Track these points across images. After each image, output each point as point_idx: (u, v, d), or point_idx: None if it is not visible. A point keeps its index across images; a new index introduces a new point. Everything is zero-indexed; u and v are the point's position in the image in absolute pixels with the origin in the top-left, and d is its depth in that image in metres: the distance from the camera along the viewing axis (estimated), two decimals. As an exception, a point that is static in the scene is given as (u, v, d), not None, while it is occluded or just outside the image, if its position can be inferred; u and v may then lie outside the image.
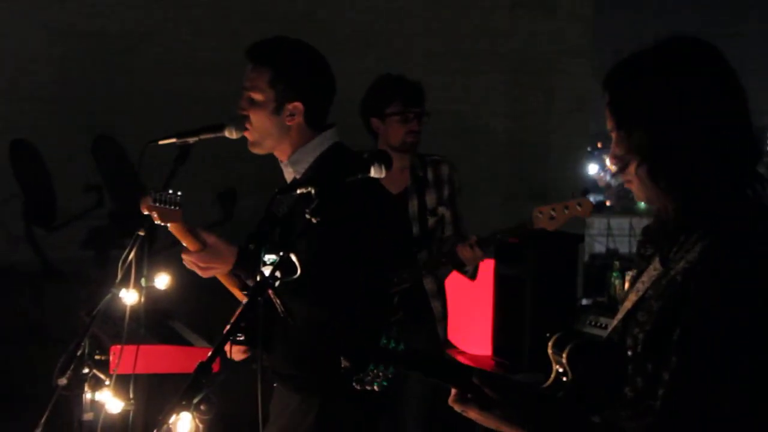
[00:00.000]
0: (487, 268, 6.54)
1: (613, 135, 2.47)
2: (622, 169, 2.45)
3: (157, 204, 3.51)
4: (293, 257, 2.85)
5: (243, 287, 3.71)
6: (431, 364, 2.61)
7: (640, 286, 2.50)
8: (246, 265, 3.60)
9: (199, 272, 3.65)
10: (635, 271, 2.60)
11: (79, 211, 7.29)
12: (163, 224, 3.55)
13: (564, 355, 2.60)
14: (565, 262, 6.15)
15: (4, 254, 7.35)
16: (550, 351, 2.66)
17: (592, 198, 5.15)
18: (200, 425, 2.96)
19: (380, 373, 2.50)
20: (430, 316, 5.38)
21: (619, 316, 2.54)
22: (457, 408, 2.55)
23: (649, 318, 2.38)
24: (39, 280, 7.39)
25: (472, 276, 5.47)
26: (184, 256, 3.62)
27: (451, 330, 5.77)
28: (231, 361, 3.63)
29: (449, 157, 5.66)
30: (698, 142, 2.33)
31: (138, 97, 7.65)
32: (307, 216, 2.94)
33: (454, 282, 5.85)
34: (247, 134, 3.77)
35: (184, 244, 3.61)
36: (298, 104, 3.72)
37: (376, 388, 2.52)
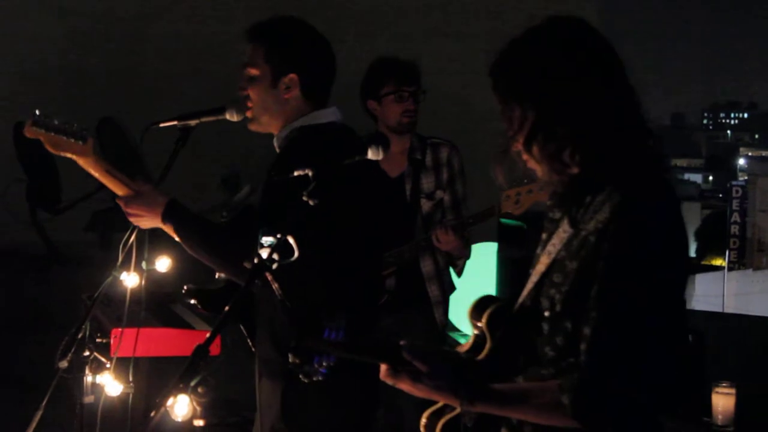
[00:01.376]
0: (490, 251, 6.53)
1: (502, 115, 2.58)
2: (507, 145, 2.58)
3: (39, 129, 3.48)
4: (290, 240, 2.85)
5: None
6: (362, 347, 2.70)
7: (552, 249, 2.57)
8: (174, 220, 3.55)
9: (131, 219, 3.63)
10: (545, 235, 2.67)
11: (83, 194, 7.29)
12: (58, 154, 3.51)
13: (483, 320, 2.66)
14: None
15: (9, 238, 7.36)
16: (468, 317, 2.72)
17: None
18: (197, 408, 2.96)
19: (324, 363, 2.54)
20: (426, 300, 5.36)
21: (534, 278, 2.60)
22: (390, 381, 2.61)
23: (566, 278, 2.46)
24: (44, 264, 7.40)
25: (459, 274, 5.47)
26: (117, 200, 3.61)
27: (455, 313, 5.74)
28: (229, 346, 3.63)
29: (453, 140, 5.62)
30: (580, 109, 2.45)
31: (143, 78, 7.66)
32: (305, 198, 2.94)
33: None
34: (247, 112, 3.77)
35: (108, 186, 3.58)
36: (294, 76, 3.70)
37: (320, 378, 2.56)
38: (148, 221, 3.61)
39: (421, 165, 5.35)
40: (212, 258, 3.52)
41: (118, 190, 3.59)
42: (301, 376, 2.57)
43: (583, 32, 2.55)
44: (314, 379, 2.57)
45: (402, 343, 2.57)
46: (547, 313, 2.50)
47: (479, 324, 2.67)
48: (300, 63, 3.72)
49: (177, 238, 3.61)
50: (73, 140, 3.49)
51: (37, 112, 3.52)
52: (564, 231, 2.56)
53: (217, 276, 3.84)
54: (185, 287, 3.78)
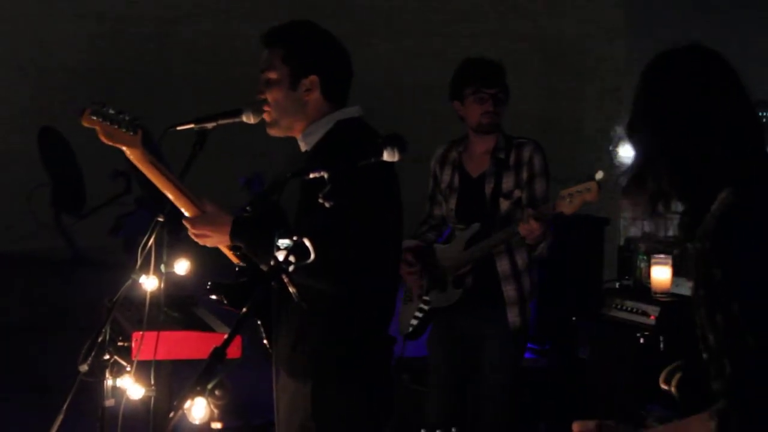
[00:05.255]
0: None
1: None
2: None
3: (97, 118, 3.52)
4: (306, 241, 2.85)
5: (234, 247, 3.72)
6: None
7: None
8: (244, 237, 3.61)
9: (197, 239, 3.68)
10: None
11: (107, 198, 7.32)
12: (111, 144, 3.54)
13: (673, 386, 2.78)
14: (591, 245, 6.12)
15: (34, 242, 7.38)
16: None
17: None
18: (215, 410, 2.96)
19: None
20: (500, 300, 5.35)
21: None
22: None
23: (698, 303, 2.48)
24: (68, 267, 7.42)
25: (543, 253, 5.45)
26: (183, 221, 3.65)
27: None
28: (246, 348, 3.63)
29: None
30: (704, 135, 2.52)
31: (168, 82, 7.67)
32: (320, 201, 2.95)
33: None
34: (265, 116, 3.79)
35: (153, 180, 3.62)
36: (314, 78, 3.74)
37: None
38: (214, 240, 3.68)
39: (504, 165, 5.37)
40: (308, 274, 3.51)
41: (158, 181, 3.63)
42: None
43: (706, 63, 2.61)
44: None
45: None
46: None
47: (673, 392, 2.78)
48: (319, 64, 3.76)
49: (248, 253, 3.66)
50: (124, 131, 3.53)
51: (97, 105, 3.57)
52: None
53: (237, 271, 3.84)
54: (209, 283, 3.78)
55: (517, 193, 5.34)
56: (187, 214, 3.67)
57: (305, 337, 3.63)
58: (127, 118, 3.55)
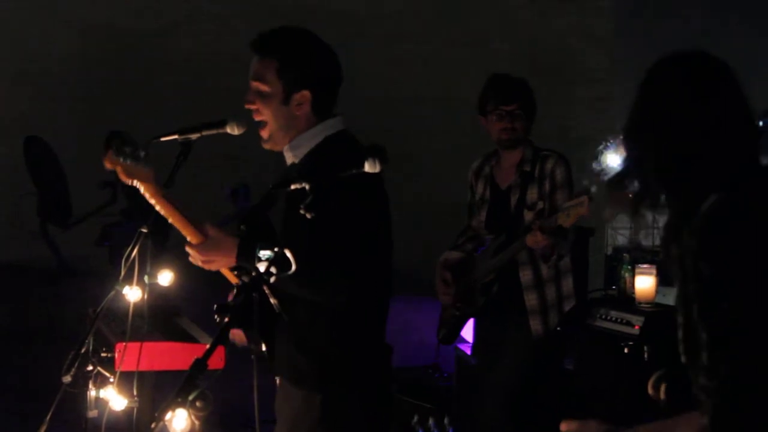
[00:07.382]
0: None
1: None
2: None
3: (118, 158, 3.46)
4: (288, 253, 2.85)
5: (233, 268, 3.70)
6: None
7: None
8: (252, 259, 3.58)
9: (204, 265, 3.65)
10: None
11: (93, 208, 7.31)
12: (128, 181, 3.50)
13: (661, 395, 2.79)
14: (576, 255, 6.11)
15: (20, 252, 7.38)
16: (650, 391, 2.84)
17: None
18: (196, 422, 2.95)
19: None
20: (521, 309, 5.44)
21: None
22: None
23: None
24: (54, 277, 7.41)
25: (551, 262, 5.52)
26: (187, 248, 3.63)
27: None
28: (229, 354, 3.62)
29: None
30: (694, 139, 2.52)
31: (156, 91, 7.67)
32: (302, 212, 2.96)
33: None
34: (262, 132, 3.77)
35: (161, 211, 3.56)
36: (306, 93, 3.70)
37: None
38: (220, 264, 3.63)
39: (530, 177, 5.49)
40: (299, 287, 3.50)
41: (185, 230, 3.60)
42: None
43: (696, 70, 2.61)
44: None
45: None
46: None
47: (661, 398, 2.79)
48: (313, 79, 3.72)
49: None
50: (141, 166, 3.49)
51: (117, 145, 3.49)
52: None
53: (236, 291, 3.82)
54: (215, 305, 3.76)
55: (540, 204, 5.43)
56: (191, 240, 3.63)
57: (305, 346, 3.63)
58: (142, 154, 3.51)
